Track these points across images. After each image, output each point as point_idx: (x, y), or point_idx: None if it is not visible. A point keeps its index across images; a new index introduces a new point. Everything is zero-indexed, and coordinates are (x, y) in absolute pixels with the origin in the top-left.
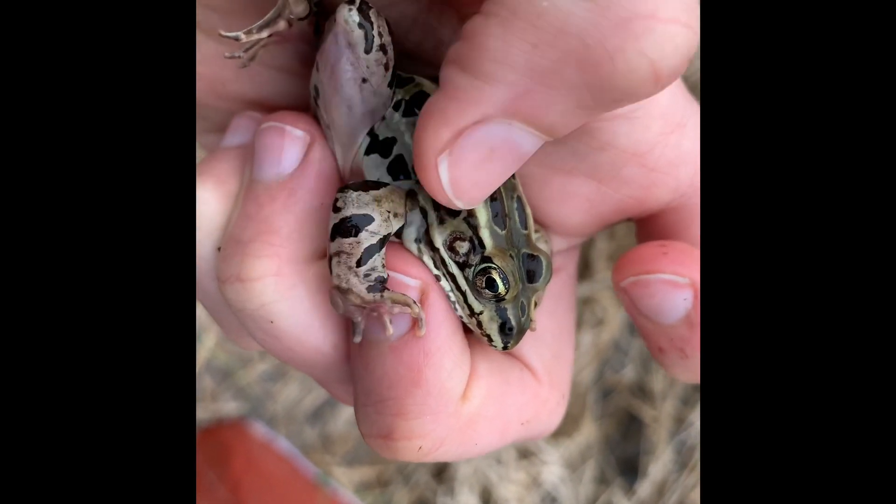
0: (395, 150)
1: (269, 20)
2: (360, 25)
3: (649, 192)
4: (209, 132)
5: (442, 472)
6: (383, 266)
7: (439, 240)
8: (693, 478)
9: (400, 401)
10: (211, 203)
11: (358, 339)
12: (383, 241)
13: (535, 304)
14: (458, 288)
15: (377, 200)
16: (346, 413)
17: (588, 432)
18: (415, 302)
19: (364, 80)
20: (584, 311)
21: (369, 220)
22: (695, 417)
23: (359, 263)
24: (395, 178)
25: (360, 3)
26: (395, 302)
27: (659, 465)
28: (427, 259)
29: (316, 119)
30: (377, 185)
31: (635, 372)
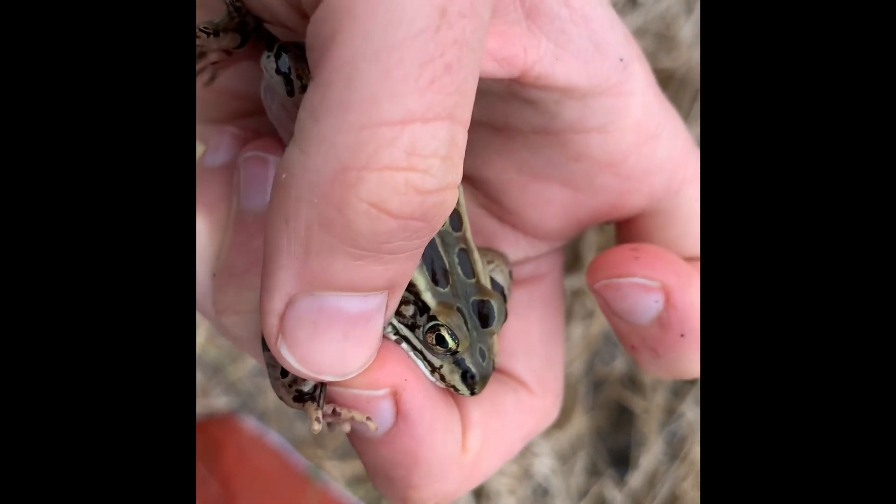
0: None
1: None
2: (278, 72)
3: (624, 199)
4: (200, 122)
5: None
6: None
7: None
8: (684, 468)
9: (405, 479)
10: (202, 232)
11: (317, 428)
12: None
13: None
14: (415, 348)
15: None
16: None
17: (579, 424)
18: (318, 419)
19: None
20: (574, 303)
21: None
22: (685, 408)
23: (283, 375)
24: None
25: (277, 49)
26: (309, 413)
27: (650, 456)
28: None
29: None
30: None
31: (626, 363)
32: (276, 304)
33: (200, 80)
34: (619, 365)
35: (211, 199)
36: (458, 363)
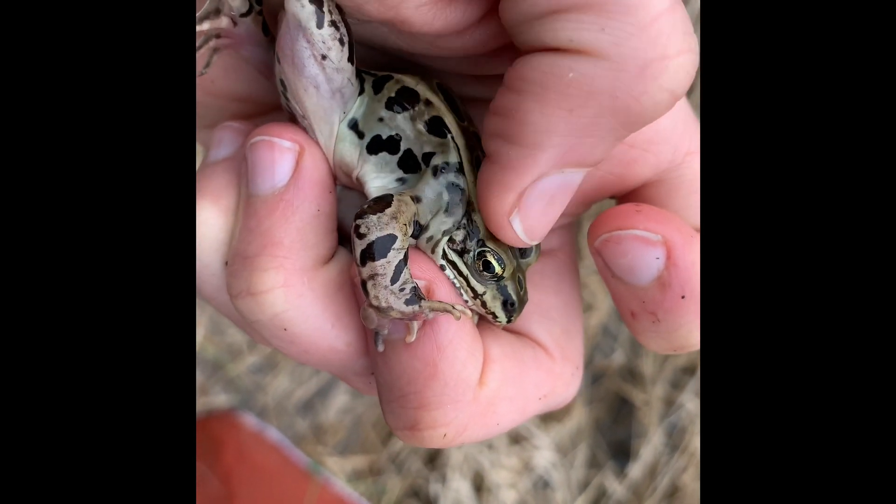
0: (403, 147)
1: (206, 13)
2: (311, 1)
3: (629, 169)
4: (201, 128)
5: (434, 460)
6: (411, 275)
7: (438, 232)
8: (684, 459)
9: (420, 394)
10: (211, 221)
11: (381, 347)
12: (407, 253)
13: None
14: (461, 273)
15: (395, 217)
16: (337, 403)
17: (579, 416)
18: (454, 306)
19: (324, 57)
20: None
21: (393, 238)
22: (685, 399)
23: (393, 281)
24: (406, 172)
25: None
26: (433, 310)
27: (650, 448)
28: (428, 249)
29: (293, 117)
30: (387, 200)
31: (625, 356)
32: (524, 181)
33: (199, 65)
34: (619, 357)
35: (217, 189)
36: (500, 290)
